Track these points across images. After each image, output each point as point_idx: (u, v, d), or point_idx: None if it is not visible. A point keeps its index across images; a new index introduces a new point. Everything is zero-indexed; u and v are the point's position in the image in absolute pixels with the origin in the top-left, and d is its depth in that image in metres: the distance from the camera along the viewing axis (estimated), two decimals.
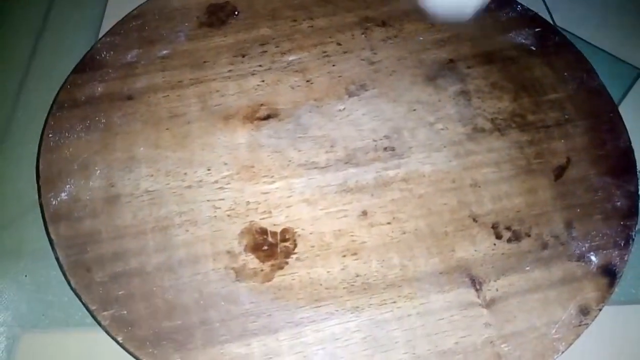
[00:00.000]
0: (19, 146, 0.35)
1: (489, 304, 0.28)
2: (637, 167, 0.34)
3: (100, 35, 0.40)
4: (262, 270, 0.28)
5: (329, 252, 0.29)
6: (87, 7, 0.43)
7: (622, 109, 0.37)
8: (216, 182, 0.31)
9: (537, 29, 0.40)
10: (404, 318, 0.27)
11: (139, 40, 0.38)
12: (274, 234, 0.30)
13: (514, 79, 0.37)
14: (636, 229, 0.31)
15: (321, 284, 0.28)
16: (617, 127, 0.36)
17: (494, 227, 0.31)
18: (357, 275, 0.29)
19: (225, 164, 0.32)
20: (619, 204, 0.32)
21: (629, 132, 0.36)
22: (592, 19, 0.45)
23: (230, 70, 0.36)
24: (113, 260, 0.28)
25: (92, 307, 0.27)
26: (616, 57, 0.43)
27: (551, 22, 0.43)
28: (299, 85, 0.36)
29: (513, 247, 0.30)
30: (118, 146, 0.33)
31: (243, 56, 0.37)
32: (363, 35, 0.38)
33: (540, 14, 0.43)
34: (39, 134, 0.34)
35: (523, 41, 0.40)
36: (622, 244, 0.31)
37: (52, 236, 0.29)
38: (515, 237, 0.30)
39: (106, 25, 0.41)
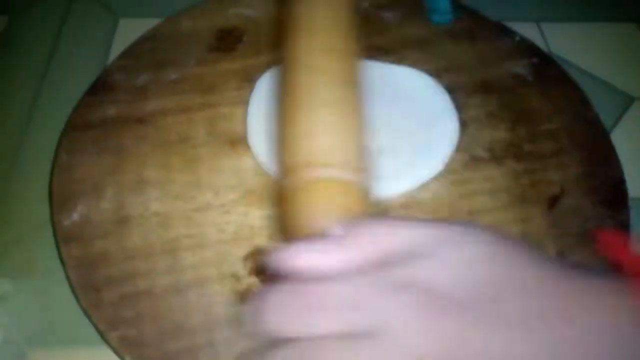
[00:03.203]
0: (31, 165, 0.36)
1: None
2: (629, 197, 0.35)
3: (110, 57, 0.41)
4: None
5: None
6: (97, 29, 0.44)
7: (614, 136, 0.39)
8: (223, 205, 0.33)
9: (533, 59, 0.42)
10: None
11: (150, 63, 0.39)
12: None
13: (511, 108, 0.39)
14: None
15: None
16: (610, 158, 0.37)
17: None
18: None
19: (232, 187, 0.33)
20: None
21: (620, 160, 0.37)
22: (586, 46, 0.46)
23: (237, 95, 0.38)
24: (122, 281, 0.29)
25: (101, 327, 0.28)
26: (609, 84, 0.44)
27: (546, 48, 0.45)
28: None
29: None
30: (128, 168, 0.34)
31: (250, 81, 0.38)
32: None
33: (535, 38, 0.45)
34: (51, 154, 0.35)
35: (520, 71, 0.41)
36: None
37: (63, 256, 0.30)
38: None
39: (116, 48, 0.42)
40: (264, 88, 0.37)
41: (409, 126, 0.37)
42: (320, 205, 0.22)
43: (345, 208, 0.22)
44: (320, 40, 0.28)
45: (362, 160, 0.25)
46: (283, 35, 0.30)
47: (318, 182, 0.23)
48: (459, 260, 0.17)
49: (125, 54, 0.40)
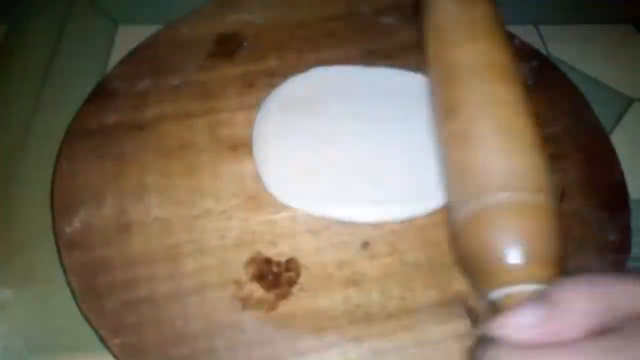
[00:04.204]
0: (32, 173, 0.36)
1: None
2: (630, 198, 0.35)
3: (110, 64, 0.41)
4: (266, 299, 0.30)
5: (332, 282, 0.30)
6: (96, 37, 0.44)
7: (613, 138, 0.39)
8: (224, 211, 0.33)
9: (533, 63, 0.42)
10: (402, 349, 0.28)
11: (150, 70, 0.39)
12: (278, 263, 0.31)
13: None
14: (629, 262, 0.33)
15: (324, 314, 0.29)
16: (611, 161, 0.37)
17: None
18: (358, 306, 0.30)
19: (233, 193, 0.33)
20: (611, 237, 0.33)
21: (620, 162, 0.37)
22: (584, 48, 0.46)
23: (238, 101, 0.38)
24: (124, 287, 0.29)
25: (103, 334, 0.28)
26: (607, 86, 0.44)
27: (544, 51, 0.45)
28: None
29: None
30: (129, 175, 0.34)
31: (250, 87, 0.39)
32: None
33: (533, 41, 0.45)
34: (52, 161, 0.35)
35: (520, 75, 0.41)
36: None
37: (65, 263, 0.30)
38: None
39: (115, 55, 0.42)
40: (278, 98, 0.37)
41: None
42: (511, 231, 0.21)
43: (538, 234, 0.21)
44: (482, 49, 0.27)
45: (546, 178, 0.24)
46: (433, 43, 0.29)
47: (508, 206, 0.22)
48: None
49: (126, 61, 0.40)
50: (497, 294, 0.21)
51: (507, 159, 0.24)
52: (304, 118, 0.36)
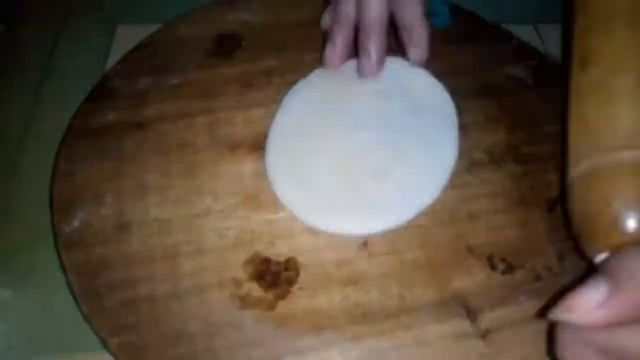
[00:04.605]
0: (31, 173, 0.36)
1: (484, 335, 0.29)
2: None
3: (108, 64, 0.41)
4: (265, 298, 0.30)
5: (331, 281, 0.30)
6: (95, 36, 0.44)
7: None
8: (222, 211, 0.33)
9: (532, 62, 0.42)
10: (401, 348, 0.28)
11: (149, 69, 0.39)
12: (277, 262, 0.31)
13: (510, 111, 0.39)
14: None
15: (323, 313, 0.29)
16: None
17: (489, 258, 0.32)
18: (358, 305, 0.30)
19: (232, 193, 0.33)
20: None
21: None
22: None
23: (237, 101, 0.38)
24: (123, 287, 0.29)
25: (102, 333, 0.28)
26: None
27: (543, 50, 0.45)
28: None
29: (507, 279, 0.31)
30: (128, 174, 0.34)
31: (249, 86, 0.39)
32: None
33: (532, 40, 0.45)
34: (50, 160, 0.35)
35: (519, 74, 0.41)
36: None
37: (65, 263, 0.30)
38: (510, 269, 0.32)
39: (114, 54, 0.42)
40: (298, 96, 0.37)
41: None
42: (624, 193, 0.20)
43: None
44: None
45: None
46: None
47: (628, 166, 0.21)
48: None
49: (124, 60, 0.40)
50: (602, 258, 0.20)
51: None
52: (320, 117, 0.36)
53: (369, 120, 0.36)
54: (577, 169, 0.23)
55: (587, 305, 0.17)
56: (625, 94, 0.23)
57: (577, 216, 0.22)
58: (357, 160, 0.35)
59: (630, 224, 0.20)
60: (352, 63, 0.38)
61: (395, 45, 0.38)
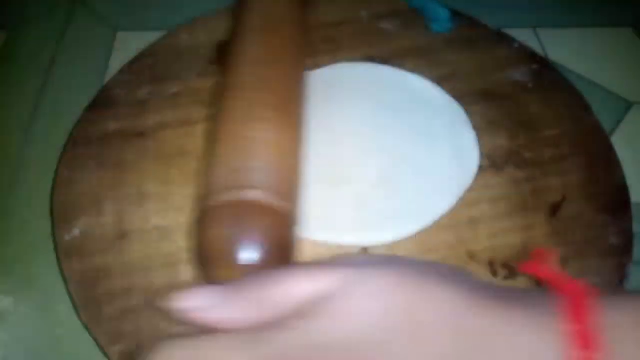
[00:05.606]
0: (32, 181, 0.36)
1: None
2: (631, 201, 0.35)
3: (109, 71, 0.42)
4: None
5: None
6: (95, 43, 0.44)
7: (613, 142, 0.38)
8: None
9: (533, 66, 0.42)
10: None
11: (150, 78, 0.39)
12: None
13: (511, 116, 0.39)
14: (630, 265, 0.32)
15: None
16: (611, 163, 0.37)
17: (491, 264, 0.32)
18: None
19: None
20: (613, 241, 0.33)
21: (621, 165, 0.37)
22: (583, 52, 0.46)
23: None
24: (123, 295, 0.29)
25: (102, 342, 0.28)
26: (606, 90, 0.44)
27: (543, 55, 0.45)
28: None
29: (509, 284, 0.31)
30: (129, 182, 0.34)
31: None
32: None
33: (532, 44, 0.45)
34: (51, 169, 0.35)
35: (520, 78, 0.41)
36: (617, 282, 0.31)
37: (65, 271, 0.30)
38: (511, 274, 0.31)
39: (114, 61, 0.42)
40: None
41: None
42: (239, 227, 0.22)
43: (266, 234, 0.22)
44: (264, 49, 0.28)
45: (293, 187, 0.24)
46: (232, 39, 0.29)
47: (240, 204, 0.22)
48: (350, 313, 0.16)
49: (126, 69, 0.40)
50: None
51: (261, 157, 0.25)
52: (318, 123, 0.36)
53: (369, 126, 0.36)
54: (203, 203, 0.24)
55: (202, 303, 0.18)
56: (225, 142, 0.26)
57: (200, 245, 0.23)
58: (359, 168, 0.35)
59: (241, 256, 0.22)
60: (352, 65, 0.38)
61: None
